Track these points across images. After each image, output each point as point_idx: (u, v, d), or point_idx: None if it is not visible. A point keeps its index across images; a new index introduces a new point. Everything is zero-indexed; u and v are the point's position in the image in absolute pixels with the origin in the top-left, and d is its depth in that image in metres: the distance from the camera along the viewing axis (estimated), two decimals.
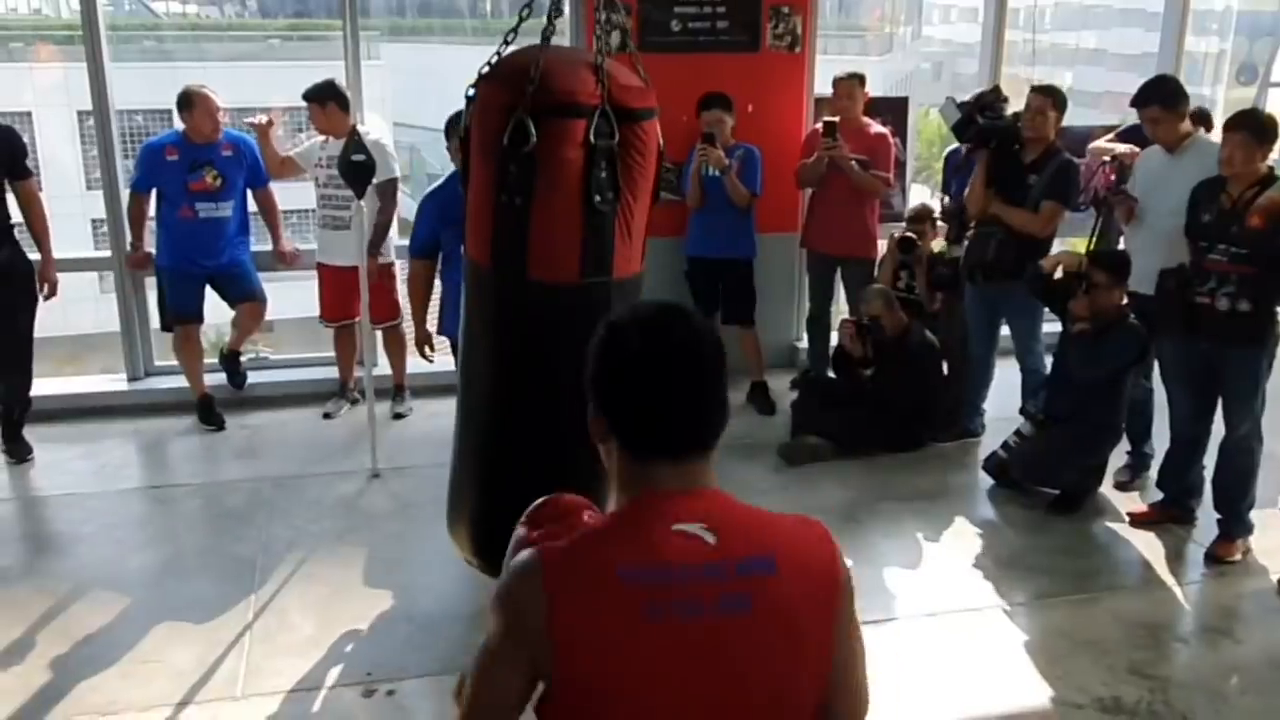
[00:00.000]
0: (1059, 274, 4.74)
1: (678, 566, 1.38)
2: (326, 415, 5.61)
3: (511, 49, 2.61)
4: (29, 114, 17.93)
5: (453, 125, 4.14)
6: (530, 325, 2.55)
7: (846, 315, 5.69)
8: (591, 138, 2.39)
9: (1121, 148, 5.17)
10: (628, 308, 1.54)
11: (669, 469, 1.44)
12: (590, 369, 1.49)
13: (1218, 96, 18.73)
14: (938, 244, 5.65)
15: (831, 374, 5.66)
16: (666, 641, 1.36)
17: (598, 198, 2.41)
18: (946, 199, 5.78)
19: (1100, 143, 5.41)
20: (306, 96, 5.39)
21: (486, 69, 2.56)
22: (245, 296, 5.58)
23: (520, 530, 1.71)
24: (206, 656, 3.55)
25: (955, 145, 5.64)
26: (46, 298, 5.03)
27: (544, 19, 2.58)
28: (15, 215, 4.91)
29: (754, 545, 1.42)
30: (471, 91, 2.56)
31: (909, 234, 5.53)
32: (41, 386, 5.25)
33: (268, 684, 3.41)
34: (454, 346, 4.49)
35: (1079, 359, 4.55)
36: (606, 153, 2.40)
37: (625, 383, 1.46)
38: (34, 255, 5.03)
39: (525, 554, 1.41)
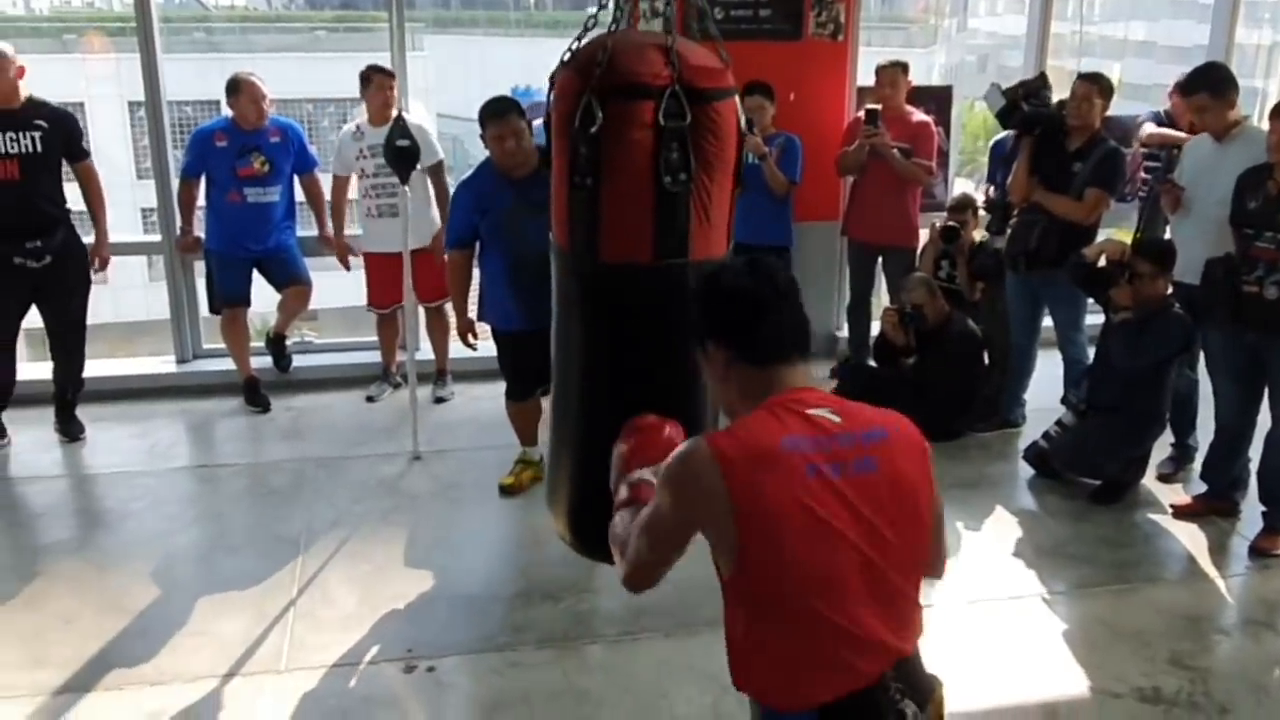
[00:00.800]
0: (1102, 262, 4.69)
1: (822, 437, 1.77)
2: (369, 398, 5.68)
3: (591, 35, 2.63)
4: (81, 104, 18.31)
5: (487, 114, 4.19)
6: (607, 307, 2.56)
7: (887, 304, 5.67)
8: (661, 119, 2.37)
9: (1160, 130, 5.09)
10: (715, 265, 2.00)
11: (786, 372, 1.85)
12: (707, 311, 1.89)
13: (1269, 89, 18.38)
14: (979, 233, 5.62)
15: (872, 363, 5.66)
16: (823, 495, 1.73)
17: (668, 179, 2.40)
18: (992, 189, 5.74)
19: (1153, 129, 5.33)
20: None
21: (566, 55, 2.59)
22: (291, 280, 5.66)
23: (620, 446, 2.11)
24: (252, 630, 3.62)
25: (1002, 135, 5.61)
26: (98, 271, 5.16)
27: (614, 6, 2.59)
28: (71, 201, 5.03)
29: (868, 422, 1.84)
30: (550, 80, 2.60)
31: (951, 223, 5.50)
32: (93, 368, 5.37)
33: (311, 658, 3.48)
34: (494, 333, 4.54)
35: (1122, 349, 4.50)
36: (677, 134, 2.38)
37: (746, 308, 1.85)
38: (88, 239, 5.16)
39: (692, 443, 1.79)
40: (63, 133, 4.92)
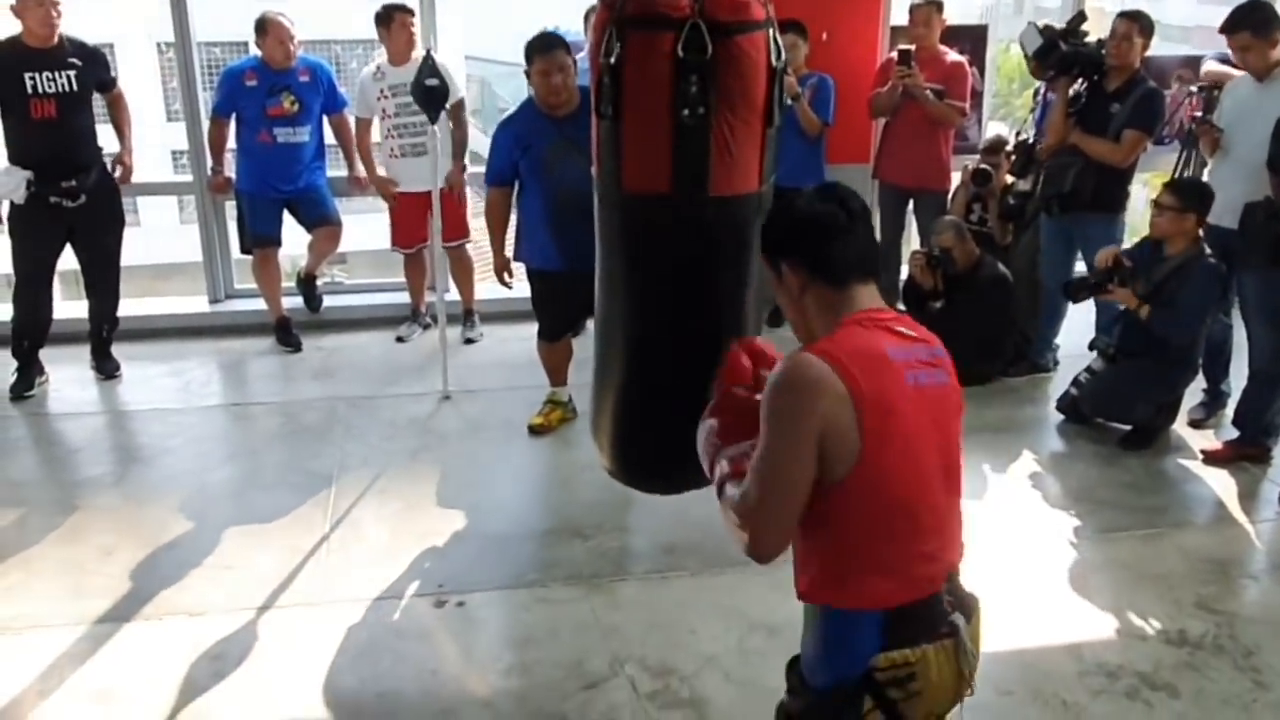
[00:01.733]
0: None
1: (911, 348, 1.88)
2: (399, 339, 5.72)
3: None
4: (111, 45, 18.28)
5: (534, 49, 4.16)
6: (634, 236, 2.59)
7: (917, 247, 5.63)
8: (680, 51, 2.35)
9: (1219, 68, 4.97)
10: (787, 195, 2.00)
11: (861, 291, 1.90)
12: (783, 233, 1.95)
13: None
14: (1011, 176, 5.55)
15: (901, 306, 5.62)
16: (920, 400, 1.84)
17: (685, 112, 2.38)
18: (1019, 133, 5.65)
19: (1215, 67, 5.19)
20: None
21: None
22: (321, 220, 5.68)
23: (710, 421, 2.05)
24: (286, 564, 3.69)
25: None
26: (121, 180, 5.19)
27: None
28: (102, 142, 5.08)
29: (932, 339, 1.94)
30: (586, 16, 2.67)
31: (983, 166, 5.43)
32: (128, 307, 5.43)
33: (344, 592, 3.54)
34: (529, 273, 4.54)
35: (1164, 324, 4.42)
36: (696, 66, 2.35)
37: (823, 230, 1.90)
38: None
39: (797, 356, 1.81)
40: (95, 68, 4.97)
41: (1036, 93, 5.66)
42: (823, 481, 1.79)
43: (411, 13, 5.42)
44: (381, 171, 5.69)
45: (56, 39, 4.82)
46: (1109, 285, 4.52)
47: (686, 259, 2.52)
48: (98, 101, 5.10)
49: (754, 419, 1.86)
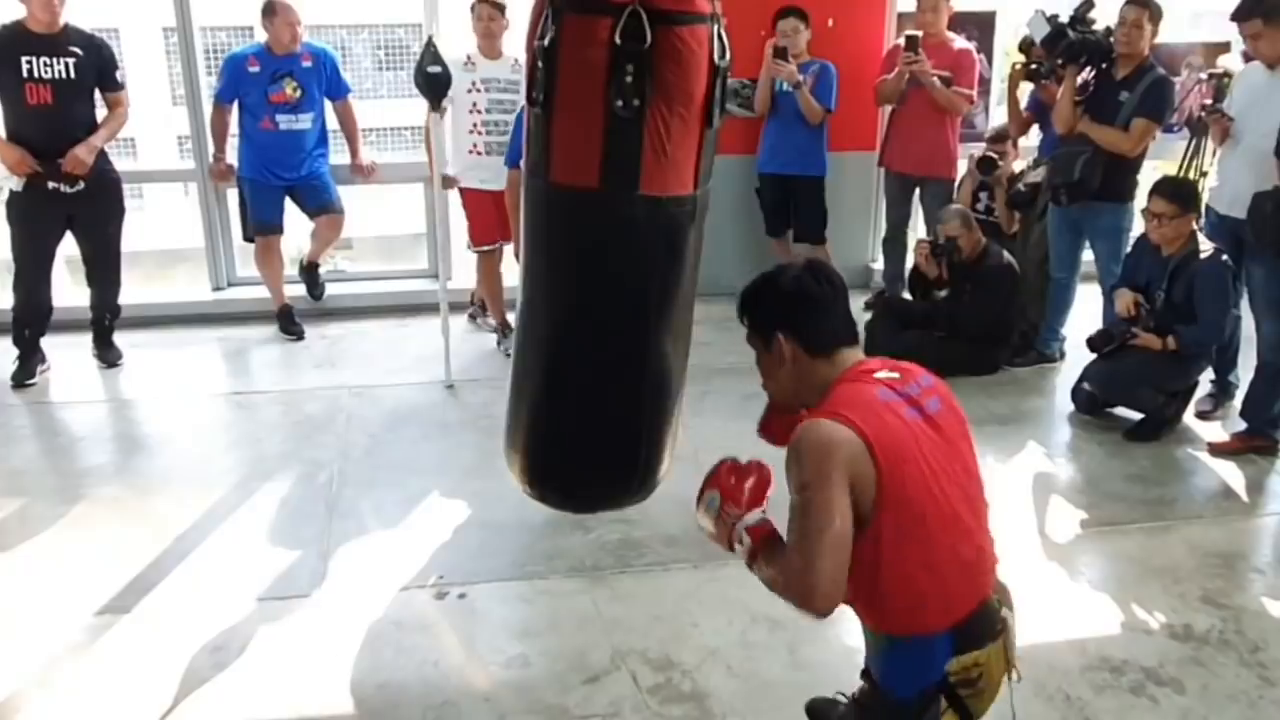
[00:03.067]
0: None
1: (901, 388, 2.03)
2: (508, 354, 5.38)
3: None
4: (116, 30, 18.24)
5: None
6: (554, 232, 2.45)
7: (923, 236, 5.60)
8: (618, 39, 2.22)
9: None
10: (776, 268, 2.16)
11: (847, 353, 2.10)
12: (777, 310, 2.11)
13: None
14: (1019, 164, 5.51)
15: (907, 295, 5.59)
16: (921, 430, 1.99)
17: (619, 103, 2.24)
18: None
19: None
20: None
21: None
22: (323, 208, 5.66)
23: (711, 492, 2.15)
24: (287, 555, 3.68)
25: None
26: (66, 170, 4.85)
27: None
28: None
29: (917, 371, 2.11)
30: None
31: (989, 154, 5.39)
32: (130, 295, 5.42)
33: (344, 583, 3.53)
34: None
35: (1188, 339, 4.43)
36: (633, 56, 2.22)
37: (815, 306, 2.10)
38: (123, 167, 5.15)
39: (813, 425, 1.94)
40: (97, 60, 4.92)
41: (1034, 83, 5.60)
42: (858, 529, 1.92)
43: (500, 7, 5.21)
44: (450, 170, 5.45)
45: (60, 26, 4.78)
46: (1133, 331, 4.51)
47: (610, 260, 2.37)
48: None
49: (757, 486, 2.08)
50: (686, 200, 2.39)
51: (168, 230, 13.86)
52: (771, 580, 1.99)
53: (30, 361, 5.06)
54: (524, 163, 2.49)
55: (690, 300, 2.53)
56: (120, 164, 5.17)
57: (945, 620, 2.00)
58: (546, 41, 2.26)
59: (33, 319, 5.05)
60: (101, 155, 4.97)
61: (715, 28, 2.33)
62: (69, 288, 5.73)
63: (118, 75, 5.05)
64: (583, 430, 2.47)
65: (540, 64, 2.30)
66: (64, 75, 4.78)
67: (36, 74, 4.72)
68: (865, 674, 2.20)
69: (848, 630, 3.27)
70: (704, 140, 2.38)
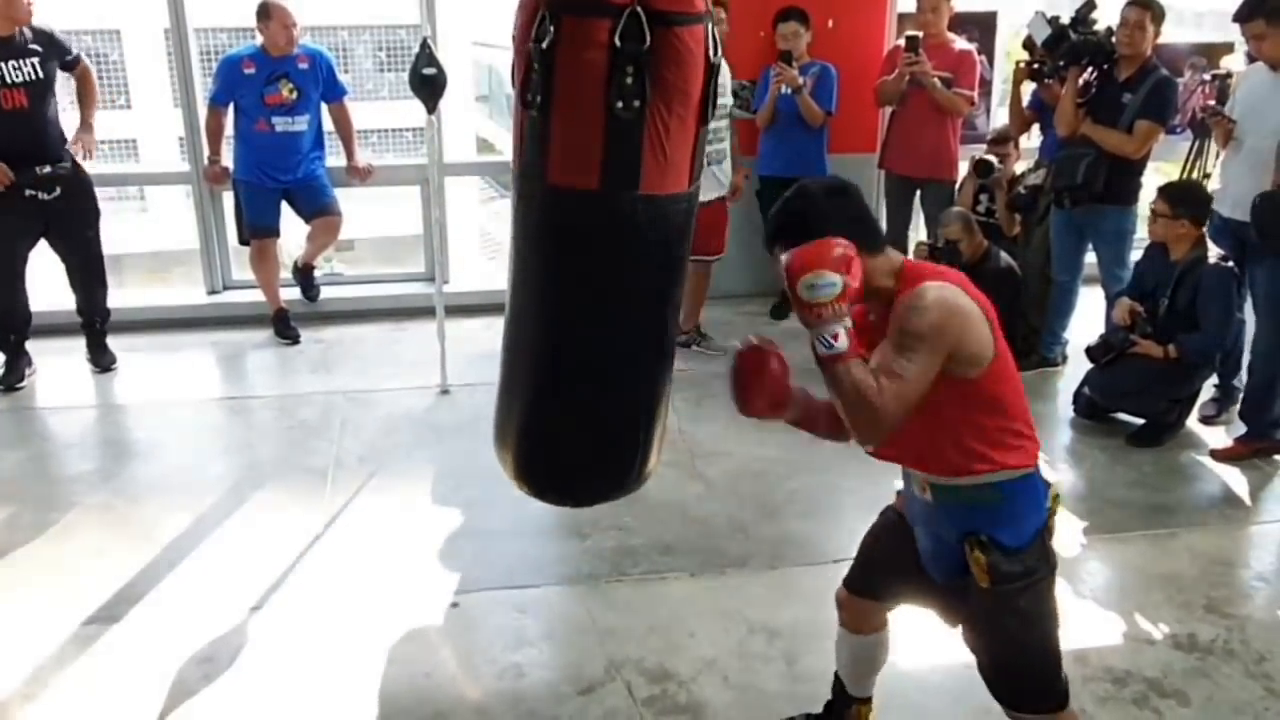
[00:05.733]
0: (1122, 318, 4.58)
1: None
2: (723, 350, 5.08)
3: None
4: (117, 32, 18.25)
5: None
6: (554, 232, 2.43)
7: (923, 239, 5.55)
8: (617, 40, 2.22)
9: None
10: (797, 187, 2.28)
11: (893, 252, 2.25)
12: (832, 215, 2.16)
13: None
14: (1020, 166, 5.46)
15: None
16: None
17: (619, 104, 2.24)
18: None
19: None
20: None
21: None
22: (320, 211, 5.62)
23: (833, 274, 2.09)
24: (280, 563, 3.63)
25: None
26: (86, 159, 5.04)
27: None
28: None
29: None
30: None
31: (986, 157, 5.35)
32: (124, 299, 5.38)
33: (337, 592, 3.49)
34: None
35: (1192, 348, 4.39)
36: (633, 57, 2.22)
37: (857, 203, 2.24)
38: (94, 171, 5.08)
39: (935, 288, 2.11)
40: (53, 51, 4.88)
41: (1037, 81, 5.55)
42: (967, 375, 2.14)
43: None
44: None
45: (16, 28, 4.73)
46: (1131, 339, 4.48)
47: (609, 260, 2.39)
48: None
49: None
50: (683, 197, 2.40)
51: (170, 231, 13.85)
52: (850, 388, 2.02)
53: (17, 365, 5.02)
54: (514, 166, 2.48)
55: (681, 293, 2.57)
56: (121, 166, 5.13)
57: (1036, 455, 2.28)
58: (545, 44, 2.25)
59: (12, 324, 5.00)
60: (71, 158, 4.94)
61: (709, 26, 2.35)
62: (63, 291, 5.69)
63: (72, 48, 5.02)
64: (581, 429, 2.47)
65: (536, 66, 2.29)
66: (34, 76, 4.73)
67: (8, 78, 4.67)
68: (978, 550, 2.25)
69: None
70: (698, 138, 2.41)
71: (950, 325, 2.09)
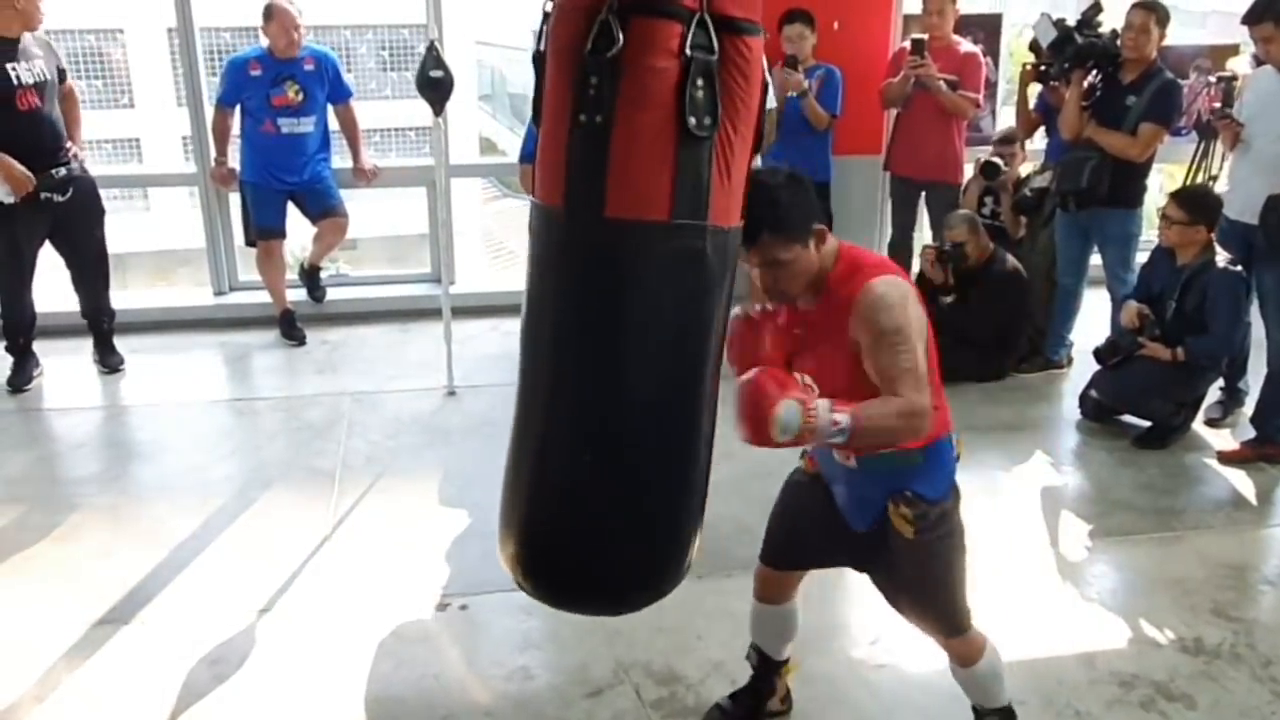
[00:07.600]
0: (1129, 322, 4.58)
1: None
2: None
3: None
4: (120, 31, 18.24)
5: None
6: (610, 275, 2.04)
7: (929, 241, 5.55)
8: (688, 49, 1.95)
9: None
10: (763, 175, 2.20)
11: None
12: (813, 201, 2.30)
13: None
14: (1026, 168, 5.47)
15: None
16: None
17: (693, 120, 1.95)
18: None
19: None
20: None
21: None
22: (326, 212, 5.63)
23: (786, 404, 2.12)
24: (287, 565, 3.64)
25: None
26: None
27: None
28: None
29: None
30: (549, 4, 2.07)
31: (992, 158, 5.35)
32: (131, 299, 5.39)
33: (345, 594, 3.49)
34: None
35: (1201, 351, 4.42)
36: (704, 68, 1.95)
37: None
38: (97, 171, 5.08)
39: (887, 280, 2.26)
40: (53, 58, 4.89)
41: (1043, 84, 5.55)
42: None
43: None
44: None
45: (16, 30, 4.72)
46: (1140, 341, 4.48)
47: (676, 302, 2.05)
48: None
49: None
50: (739, 231, 2.14)
51: (172, 232, 13.86)
52: (887, 430, 2.17)
53: (25, 366, 5.03)
54: (562, 194, 2.06)
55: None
56: (124, 167, 5.14)
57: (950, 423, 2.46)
58: (612, 52, 1.95)
59: (19, 325, 5.01)
60: (78, 159, 4.95)
61: (764, 37, 2.12)
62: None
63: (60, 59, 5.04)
64: (631, 507, 2.13)
65: (594, 80, 1.97)
66: (44, 77, 4.75)
67: (22, 80, 4.67)
68: (904, 505, 2.38)
69: (853, 642, 3.26)
70: (751, 159, 2.15)
71: (913, 307, 2.26)
